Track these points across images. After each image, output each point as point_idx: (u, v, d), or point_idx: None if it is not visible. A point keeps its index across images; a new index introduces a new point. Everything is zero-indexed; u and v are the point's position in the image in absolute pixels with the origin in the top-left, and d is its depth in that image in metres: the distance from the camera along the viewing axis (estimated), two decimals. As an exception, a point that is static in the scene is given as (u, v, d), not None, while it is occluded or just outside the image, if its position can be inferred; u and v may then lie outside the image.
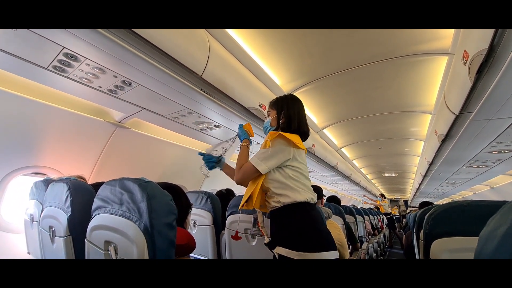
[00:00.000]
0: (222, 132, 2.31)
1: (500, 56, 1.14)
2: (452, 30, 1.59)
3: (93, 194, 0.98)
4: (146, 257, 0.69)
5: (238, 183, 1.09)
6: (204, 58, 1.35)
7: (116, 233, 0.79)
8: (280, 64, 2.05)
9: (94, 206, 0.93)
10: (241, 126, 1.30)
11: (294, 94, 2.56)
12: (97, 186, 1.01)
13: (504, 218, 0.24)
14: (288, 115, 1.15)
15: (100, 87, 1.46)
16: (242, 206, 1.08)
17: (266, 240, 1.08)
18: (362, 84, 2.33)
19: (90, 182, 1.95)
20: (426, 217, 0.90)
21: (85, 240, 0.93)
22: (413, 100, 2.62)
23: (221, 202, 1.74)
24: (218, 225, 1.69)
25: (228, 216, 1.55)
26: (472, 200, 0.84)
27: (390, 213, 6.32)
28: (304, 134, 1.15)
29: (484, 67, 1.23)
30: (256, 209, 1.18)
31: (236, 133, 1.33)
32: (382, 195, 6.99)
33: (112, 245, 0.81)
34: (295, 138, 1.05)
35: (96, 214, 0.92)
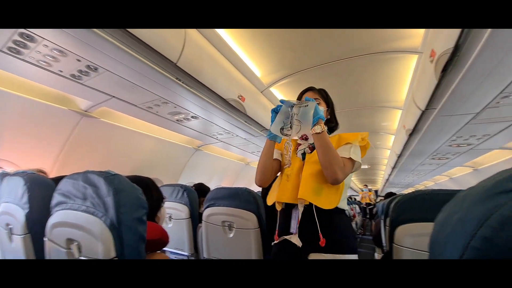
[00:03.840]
0: (200, 123, 2.25)
1: (464, 55, 1.23)
2: (422, 30, 1.67)
3: (54, 189, 0.91)
4: (113, 254, 0.65)
5: (339, 182, 0.85)
6: (179, 45, 1.28)
7: (79, 230, 0.74)
8: (261, 56, 2.02)
9: (53, 201, 0.86)
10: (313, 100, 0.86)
11: (275, 86, 2.60)
12: (58, 180, 0.93)
13: (458, 205, 0.26)
14: (333, 116, 1.04)
15: (61, 71, 1.33)
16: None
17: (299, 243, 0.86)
18: (339, 78, 2.39)
19: (53, 176, 1.80)
20: (392, 205, 0.95)
21: (44, 239, 0.86)
22: (385, 96, 2.76)
23: (198, 195, 1.71)
24: (195, 218, 1.66)
25: (205, 209, 1.53)
26: (432, 189, 0.91)
27: (370, 204, 6.64)
28: None
29: (449, 66, 1.32)
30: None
31: (302, 104, 0.84)
32: (366, 185, 7.21)
33: (75, 243, 0.75)
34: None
35: (57, 210, 0.85)
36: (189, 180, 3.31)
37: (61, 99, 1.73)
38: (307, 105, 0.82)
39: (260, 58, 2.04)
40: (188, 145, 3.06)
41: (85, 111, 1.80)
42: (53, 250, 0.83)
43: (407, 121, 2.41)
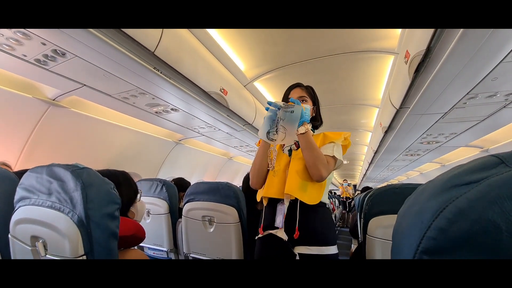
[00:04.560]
0: (181, 116, 2.18)
1: (434, 58, 1.30)
2: (399, 32, 1.74)
3: (17, 184, 0.85)
4: (81, 252, 0.62)
5: (323, 180, 0.89)
6: (157, 33, 1.22)
7: (44, 226, 0.69)
8: (245, 49, 1.99)
9: (16, 196, 0.81)
10: (299, 102, 0.88)
11: (258, 80, 2.58)
12: (22, 174, 0.87)
13: (417, 198, 0.27)
14: (319, 114, 1.06)
15: (25, 56, 1.22)
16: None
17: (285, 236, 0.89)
18: (321, 75, 2.43)
19: (17, 169, 1.66)
20: (366, 199, 1.00)
21: (9, 235, 0.81)
22: (364, 94, 2.86)
23: (178, 190, 1.68)
24: (175, 213, 1.63)
25: (185, 203, 1.51)
26: (402, 183, 0.96)
27: (349, 198, 6.98)
28: None
29: (421, 67, 1.39)
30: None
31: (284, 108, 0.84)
32: (346, 180, 7.58)
33: (40, 240, 0.71)
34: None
35: (20, 206, 0.80)
36: (169, 174, 3.23)
37: (25, 86, 1.58)
38: (293, 111, 0.83)
39: (243, 51, 2.01)
40: (168, 139, 2.97)
41: (53, 99, 1.66)
42: (18, 248, 0.79)
43: (383, 118, 2.52)
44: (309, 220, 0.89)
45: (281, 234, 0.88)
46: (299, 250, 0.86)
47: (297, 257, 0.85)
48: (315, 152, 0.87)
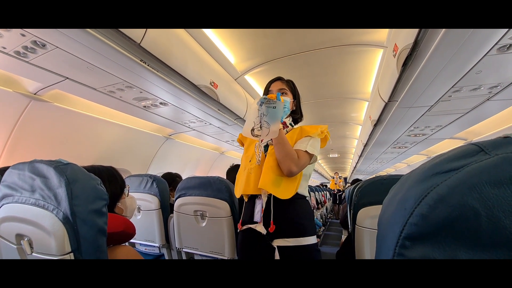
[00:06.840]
0: (170, 111, 2.14)
1: (421, 51, 1.32)
2: (388, 24, 1.75)
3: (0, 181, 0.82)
4: (68, 249, 0.60)
5: (294, 174, 0.91)
6: (143, 23, 1.18)
7: (29, 224, 0.67)
8: (235, 41, 1.95)
9: None
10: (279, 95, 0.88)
11: (249, 74, 2.55)
12: (5, 171, 0.84)
13: (401, 187, 0.28)
14: (299, 108, 1.08)
15: (4, 48, 1.15)
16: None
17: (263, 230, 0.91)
18: (312, 69, 2.43)
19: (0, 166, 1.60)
20: (355, 190, 1.02)
21: (-7, 235, 0.79)
22: (354, 88, 2.88)
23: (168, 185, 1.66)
24: (166, 209, 1.62)
25: (176, 198, 1.49)
26: (389, 174, 0.98)
27: (340, 190, 7.12)
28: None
29: (409, 61, 1.41)
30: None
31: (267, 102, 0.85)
32: (337, 173, 7.74)
33: (26, 239, 0.69)
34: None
35: (3, 204, 0.77)
36: (159, 170, 3.18)
37: (5, 80, 1.50)
38: (275, 106, 0.84)
39: (233, 43, 1.97)
40: (158, 133, 2.92)
41: (34, 93, 1.59)
42: (3, 246, 0.77)
43: (372, 112, 2.56)
44: (286, 212, 0.91)
45: (260, 228, 0.91)
46: (278, 243, 0.89)
47: (276, 250, 0.88)
48: (284, 148, 0.89)
